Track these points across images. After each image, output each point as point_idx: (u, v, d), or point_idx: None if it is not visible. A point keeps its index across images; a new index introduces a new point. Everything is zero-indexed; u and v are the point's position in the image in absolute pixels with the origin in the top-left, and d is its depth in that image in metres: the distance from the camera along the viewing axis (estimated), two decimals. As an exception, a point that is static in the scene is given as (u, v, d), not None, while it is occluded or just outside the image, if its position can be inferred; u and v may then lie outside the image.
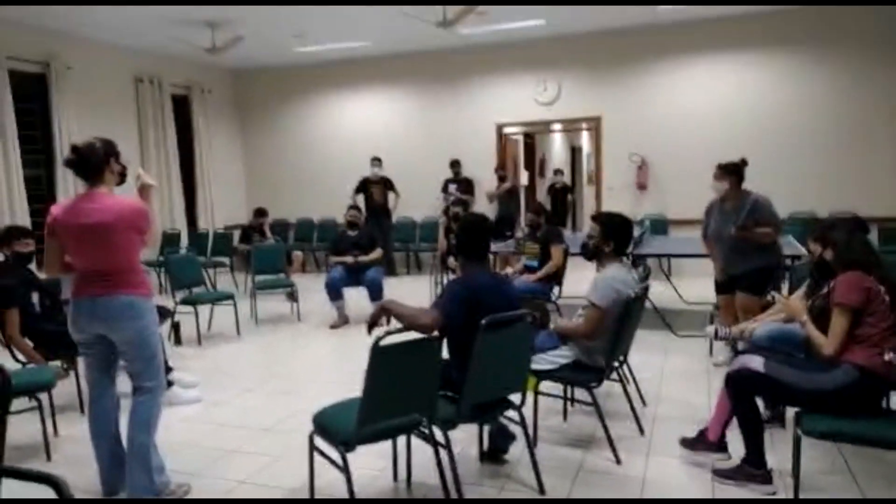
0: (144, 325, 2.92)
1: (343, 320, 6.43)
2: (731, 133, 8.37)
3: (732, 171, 4.59)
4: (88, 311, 2.88)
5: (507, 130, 9.80)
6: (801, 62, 8.11)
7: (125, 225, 2.83)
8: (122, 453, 2.97)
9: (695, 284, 6.90)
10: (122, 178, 3.01)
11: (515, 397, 3.02)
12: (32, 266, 4.44)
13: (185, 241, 9.18)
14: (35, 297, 4.31)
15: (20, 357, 4.00)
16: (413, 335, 2.65)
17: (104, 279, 2.86)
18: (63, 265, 2.97)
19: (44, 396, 3.60)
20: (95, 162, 2.87)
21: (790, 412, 3.02)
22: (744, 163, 4.65)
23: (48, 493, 1.29)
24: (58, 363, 4.32)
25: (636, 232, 6.34)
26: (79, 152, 2.86)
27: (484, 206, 9.19)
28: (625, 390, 3.74)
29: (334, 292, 6.40)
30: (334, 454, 2.60)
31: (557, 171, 10.93)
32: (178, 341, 5.84)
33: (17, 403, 3.19)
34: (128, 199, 2.91)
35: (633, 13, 7.89)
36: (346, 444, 2.55)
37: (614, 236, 3.42)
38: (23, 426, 3.51)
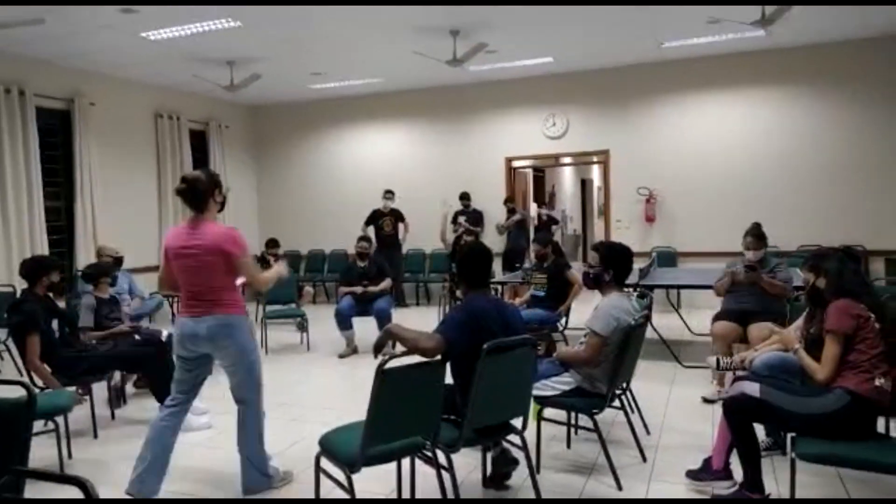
0: (244, 342, 3.22)
1: (352, 349, 6.52)
2: (737, 167, 8.50)
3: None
4: (191, 331, 3.16)
5: (516, 164, 9.97)
6: (808, 98, 8.23)
7: (218, 249, 3.10)
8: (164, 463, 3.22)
9: (703, 316, 6.92)
10: (222, 206, 3.30)
11: (518, 422, 3.10)
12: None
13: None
14: (55, 324, 4.46)
15: (38, 382, 4.12)
16: (417, 359, 2.75)
17: (205, 300, 3.15)
18: (174, 285, 3.27)
19: (60, 421, 3.71)
20: (202, 192, 3.15)
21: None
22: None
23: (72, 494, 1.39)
24: (73, 389, 4.43)
25: (643, 264, 6.44)
26: (188, 182, 3.15)
27: (493, 237, 9.32)
28: (627, 418, 3.79)
29: (343, 322, 6.50)
30: (340, 476, 2.68)
31: (543, 204, 11.32)
32: (190, 369, 5.93)
33: (35, 426, 3.28)
34: (221, 225, 3.22)
35: (639, 50, 8.09)
36: (351, 466, 2.63)
37: (613, 265, 3.52)
38: (39, 449, 3.61)
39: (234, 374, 3.27)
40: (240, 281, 3.34)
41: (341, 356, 6.46)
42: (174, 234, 3.23)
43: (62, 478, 1.52)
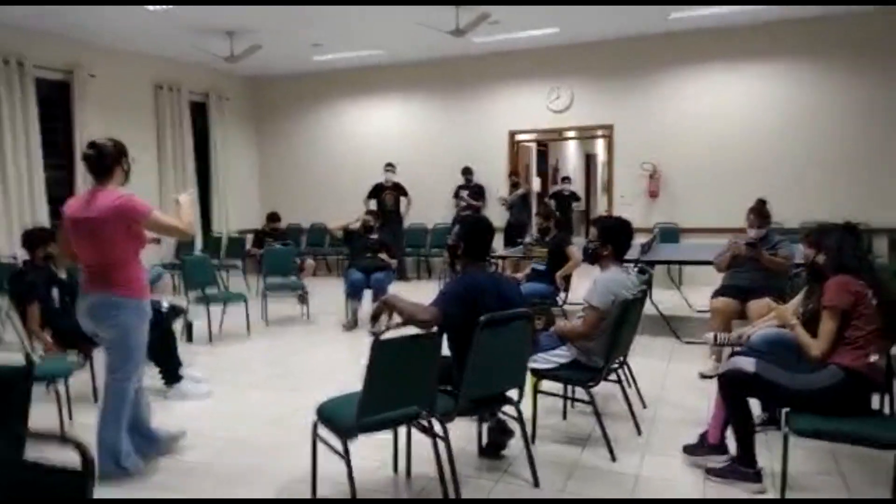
0: (124, 325, 3.07)
1: (354, 320, 6.54)
2: (742, 143, 8.43)
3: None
4: (83, 309, 3.09)
5: (519, 138, 9.90)
6: (815, 72, 8.13)
7: (113, 219, 2.97)
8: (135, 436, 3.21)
9: (704, 293, 6.92)
10: (126, 176, 3.18)
11: (514, 394, 3.12)
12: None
13: (199, 244, 9.36)
14: (55, 293, 4.50)
15: (39, 348, 4.17)
16: (414, 330, 2.76)
17: (97, 275, 3.04)
18: (72, 254, 3.17)
19: (61, 387, 3.77)
20: (108, 160, 3.05)
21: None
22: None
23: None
24: (74, 354, 4.48)
25: (645, 239, 6.42)
26: (96, 148, 3.05)
27: (495, 212, 9.29)
28: (624, 392, 3.81)
29: (356, 292, 6.58)
30: (337, 444, 2.71)
31: (565, 179, 11.00)
32: (189, 339, 5.99)
33: (36, 391, 3.33)
34: (120, 193, 3.05)
35: (646, 21, 7.98)
36: (347, 433, 2.66)
37: (611, 240, 3.51)
38: (41, 412, 3.65)
39: (108, 354, 3.14)
40: (151, 238, 3.21)
41: (345, 327, 6.49)
42: (73, 203, 3.10)
43: (61, 439, 1.57)
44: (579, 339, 3.45)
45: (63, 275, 4.83)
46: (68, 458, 1.52)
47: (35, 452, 1.81)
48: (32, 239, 4.60)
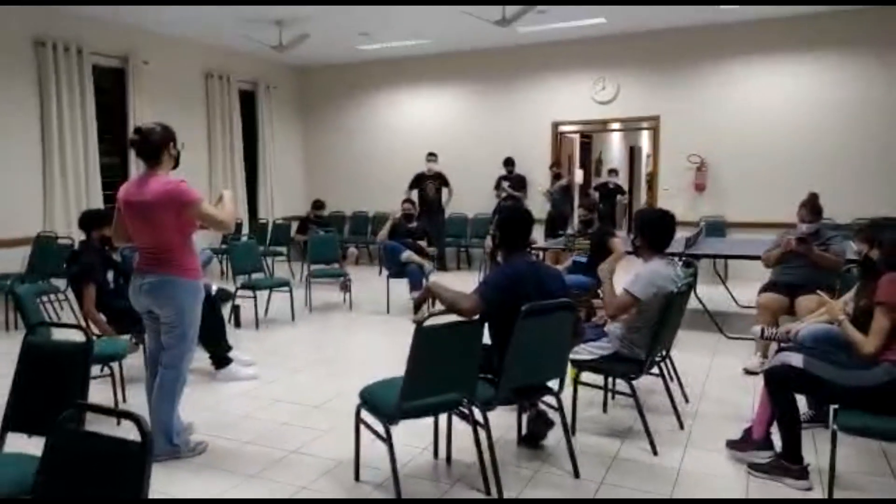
0: (180, 304, 3.17)
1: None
2: (793, 136, 8.19)
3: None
4: (137, 287, 3.18)
5: (563, 129, 9.82)
6: (870, 65, 7.84)
7: (163, 204, 3.06)
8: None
9: (751, 289, 6.78)
10: (176, 161, 3.26)
11: (555, 385, 3.12)
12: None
13: (246, 229, 9.56)
14: (110, 276, 4.66)
15: (94, 330, 4.32)
16: (456, 318, 2.79)
17: (152, 256, 3.15)
18: (126, 237, 3.28)
19: (115, 368, 3.92)
20: (155, 144, 3.13)
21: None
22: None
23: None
24: (128, 337, 4.63)
25: (690, 233, 6.31)
26: (142, 133, 3.13)
27: (537, 203, 9.23)
28: (666, 386, 3.77)
29: (393, 257, 6.70)
30: (379, 428, 2.76)
31: (612, 171, 10.85)
32: (237, 324, 6.15)
33: (92, 372, 3.46)
34: (170, 179, 3.13)
35: (695, 11, 7.80)
36: (389, 417, 2.71)
37: (647, 231, 3.49)
38: (96, 393, 3.80)
39: (168, 332, 3.22)
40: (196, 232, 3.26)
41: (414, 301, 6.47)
42: (126, 186, 3.19)
43: (120, 413, 1.66)
44: (608, 312, 3.45)
45: (117, 258, 5.01)
46: (125, 435, 1.60)
47: (92, 427, 1.91)
48: (88, 221, 4.75)
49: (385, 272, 6.97)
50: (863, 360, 2.77)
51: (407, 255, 6.66)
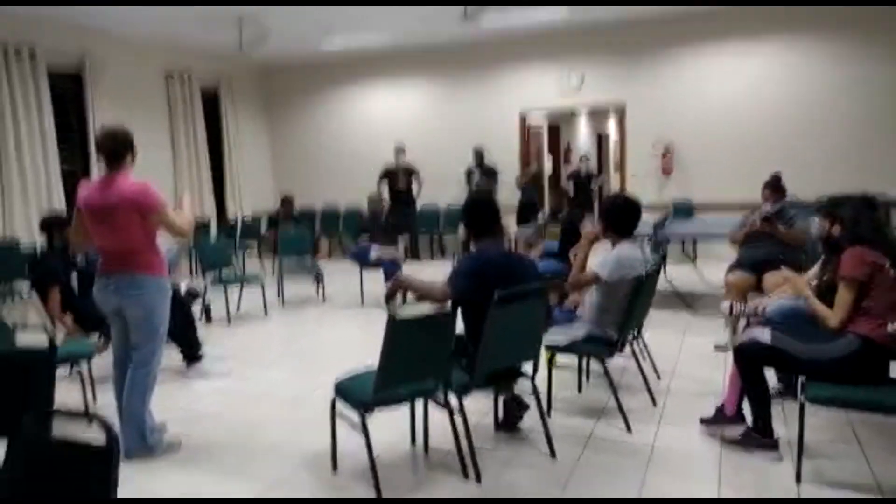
0: (148, 303, 3.14)
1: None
2: (755, 118, 8.33)
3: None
4: (104, 287, 3.14)
5: (530, 118, 9.83)
6: (828, 44, 7.99)
7: (129, 207, 3.03)
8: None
9: (719, 268, 6.90)
10: (132, 161, 3.21)
11: (530, 369, 3.14)
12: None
13: (213, 229, 9.40)
14: (74, 278, 4.57)
15: (61, 332, 4.25)
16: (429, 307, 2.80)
17: (116, 258, 3.10)
18: (87, 239, 3.22)
19: (84, 368, 3.85)
20: (122, 144, 3.10)
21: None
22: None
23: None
24: (95, 336, 4.55)
25: (657, 217, 6.40)
26: (111, 133, 3.11)
27: (507, 193, 9.26)
28: (638, 364, 3.82)
29: (364, 261, 6.72)
30: (355, 418, 2.75)
31: (583, 158, 10.93)
32: (209, 319, 6.07)
33: (60, 373, 3.40)
34: (135, 181, 3.10)
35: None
36: (364, 406, 2.70)
37: (613, 218, 3.56)
38: (65, 393, 3.74)
39: (137, 329, 3.18)
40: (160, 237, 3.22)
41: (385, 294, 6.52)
42: (88, 190, 3.13)
43: (86, 417, 1.63)
44: (573, 281, 3.56)
45: (80, 260, 4.91)
46: (93, 437, 1.57)
47: (61, 431, 1.86)
48: (49, 225, 4.68)
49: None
50: (828, 333, 2.83)
51: (375, 254, 6.66)
